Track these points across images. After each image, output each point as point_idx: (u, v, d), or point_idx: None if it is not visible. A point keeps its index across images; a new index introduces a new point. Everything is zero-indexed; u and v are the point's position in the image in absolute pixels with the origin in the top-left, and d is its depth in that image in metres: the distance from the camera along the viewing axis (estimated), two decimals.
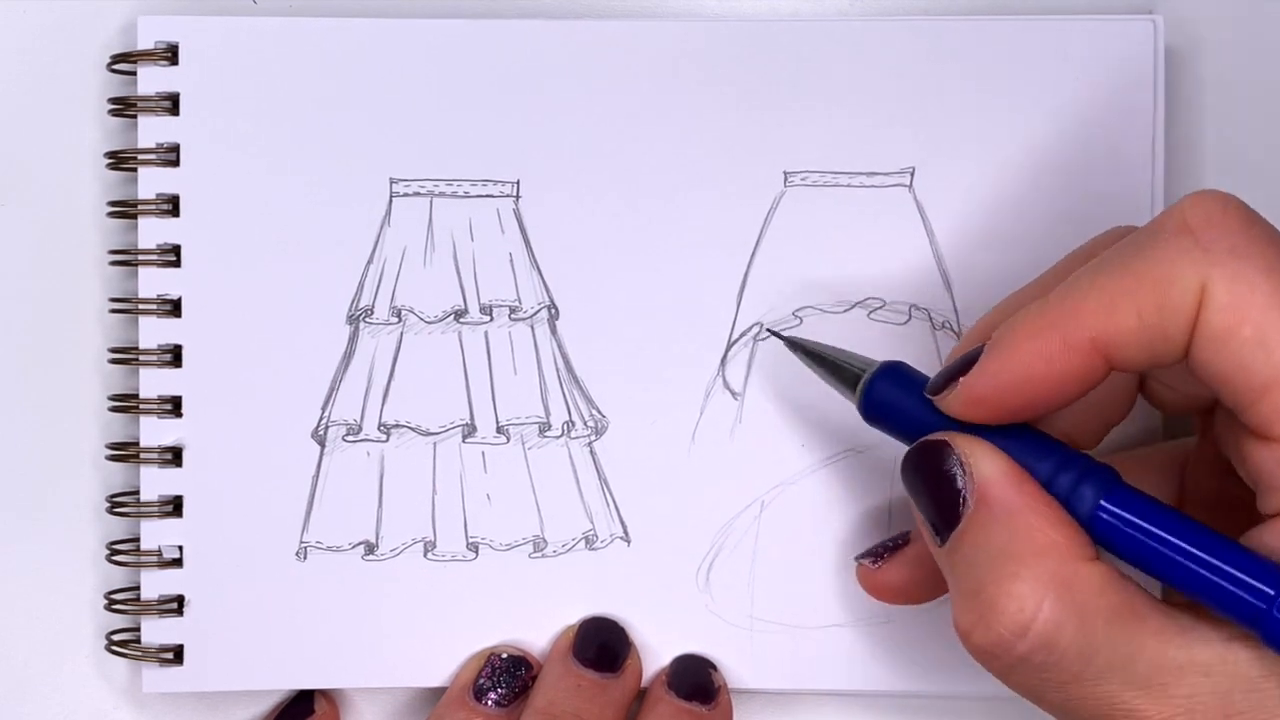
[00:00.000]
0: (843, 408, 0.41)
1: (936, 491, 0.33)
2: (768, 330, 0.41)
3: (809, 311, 0.41)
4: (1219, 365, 0.30)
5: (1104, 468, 0.32)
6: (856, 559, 0.39)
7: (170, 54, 0.41)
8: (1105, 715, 0.31)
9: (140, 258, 0.41)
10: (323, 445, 0.41)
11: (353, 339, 0.41)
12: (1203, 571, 0.30)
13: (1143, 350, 0.31)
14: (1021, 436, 0.33)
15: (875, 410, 0.35)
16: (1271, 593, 0.29)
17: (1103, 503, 0.31)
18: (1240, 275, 0.29)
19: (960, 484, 0.32)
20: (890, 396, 0.35)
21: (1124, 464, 0.34)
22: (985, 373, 0.32)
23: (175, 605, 0.41)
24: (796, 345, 0.38)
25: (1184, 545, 0.31)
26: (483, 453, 0.41)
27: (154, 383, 0.41)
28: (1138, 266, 0.30)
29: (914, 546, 0.38)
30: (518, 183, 0.41)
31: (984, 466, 0.32)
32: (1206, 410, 0.36)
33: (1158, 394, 0.36)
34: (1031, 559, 0.31)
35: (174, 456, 0.41)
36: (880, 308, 0.41)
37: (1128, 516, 0.31)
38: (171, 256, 0.41)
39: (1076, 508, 0.32)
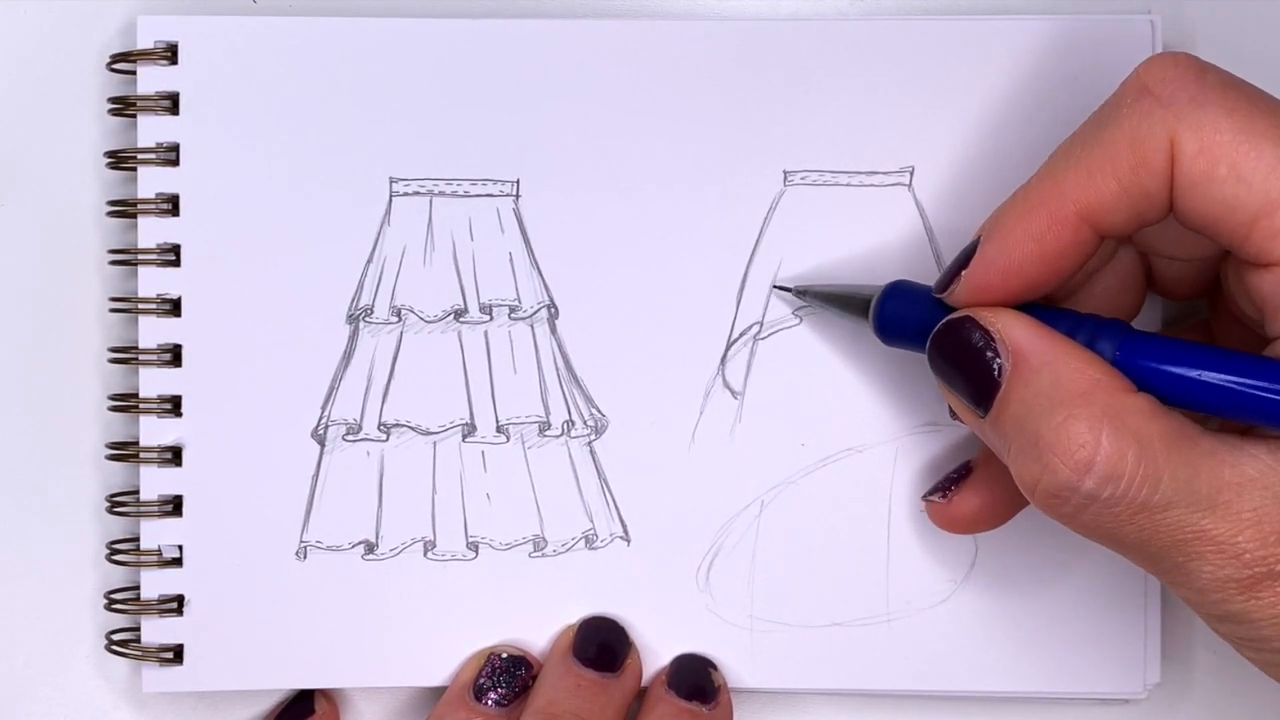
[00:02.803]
0: (843, 407, 0.41)
1: (969, 365, 0.34)
2: (774, 287, 0.41)
3: (809, 311, 0.41)
4: (1205, 210, 0.31)
5: (1115, 321, 0.34)
6: (924, 497, 0.40)
7: (170, 54, 0.41)
8: (1178, 541, 0.31)
9: (140, 257, 0.41)
10: (322, 445, 0.41)
11: (352, 338, 0.41)
12: (1231, 386, 0.32)
13: (1127, 213, 0.32)
14: (1032, 309, 0.34)
15: (890, 327, 0.37)
16: None
17: (1122, 348, 0.33)
18: (1205, 121, 0.31)
19: (992, 351, 0.33)
20: (901, 311, 0.36)
21: None
22: (984, 260, 0.34)
23: (175, 605, 0.41)
24: (806, 291, 0.40)
25: (1209, 368, 0.32)
26: (482, 452, 0.41)
27: (154, 382, 0.41)
28: (1108, 135, 0.32)
29: (978, 473, 0.39)
30: (517, 182, 0.41)
31: (1013, 327, 0.33)
32: (1212, 284, 0.37)
33: (1163, 274, 0.37)
34: (1081, 399, 0.32)
35: (174, 456, 0.41)
36: None
37: (1149, 356, 0.32)
38: (171, 256, 0.41)
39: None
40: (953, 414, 0.39)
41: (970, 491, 0.39)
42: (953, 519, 0.39)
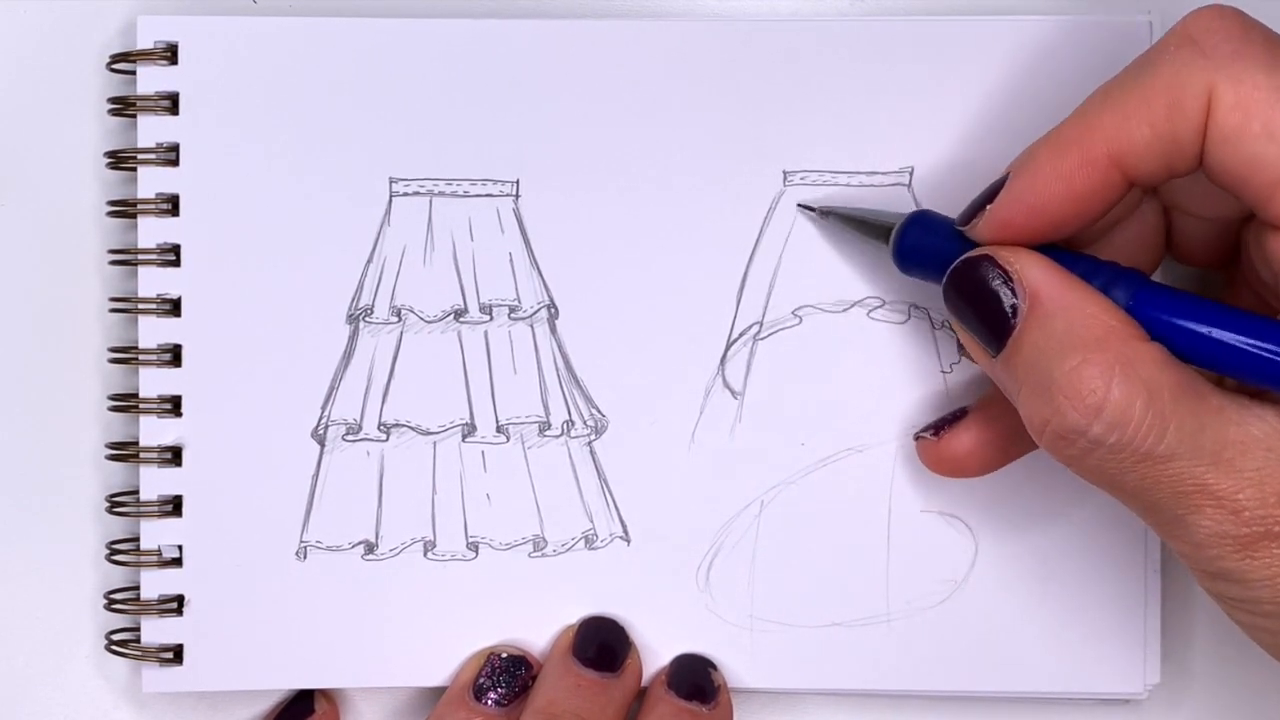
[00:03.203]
0: (843, 407, 0.41)
1: (985, 303, 0.34)
2: (798, 205, 0.41)
3: (809, 311, 0.41)
4: (1233, 164, 0.32)
5: (1132, 270, 0.34)
6: (916, 435, 0.40)
7: (170, 54, 0.41)
8: (1179, 493, 0.32)
9: (140, 257, 0.41)
10: (322, 445, 0.41)
11: (352, 338, 0.41)
12: (1241, 346, 0.32)
13: (1157, 160, 0.33)
14: (1051, 252, 0.34)
15: (909, 255, 0.37)
16: None
17: (1136, 297, 0.33)
18: (1244, 76, 0.31)
19: (1008, 291, 0.33)
20: (922, 241, 0.37)
21: None
22: (1010, 195, 0.34)
23: (175, 605, 0.41)
24: (829, 212, 0.40)
25: (1221, 326, 0.32)
26: (482, 452, 0.41)
27: (154, 382, 0.41)
28: (1146, 80, 0.32)
29: (973, 416, 0.39)
30: (517, 182, 0.41)
31: (1032, 269, 0.33)
32: (1231, 252, 0.37)
33: (1184, 234, 0.38)
34: (1094, 344, 0.32)
35: (174, 456, 0.41)
36: (880, 307, 0.41)
37: (1162, 308, 0.33)
38: (171, 256, 0.41)
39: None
40: (961, 350, 0.40)
41: (962, 432, 0.39)
42: (940, 457, 0.39)
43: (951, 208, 0.41)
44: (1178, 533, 0.32)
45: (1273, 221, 0.32)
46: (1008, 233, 0.34)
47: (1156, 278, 0.38)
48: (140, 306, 0.41)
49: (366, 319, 0.41)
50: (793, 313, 0.41)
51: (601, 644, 0.40)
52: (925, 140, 0.41)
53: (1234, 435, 0.31)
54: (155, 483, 0.41)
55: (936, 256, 0.36)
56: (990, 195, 0.34)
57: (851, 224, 0.39)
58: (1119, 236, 0.37)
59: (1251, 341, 0.32)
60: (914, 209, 0.38)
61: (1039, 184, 0.33)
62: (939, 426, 0.39)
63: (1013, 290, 0.33)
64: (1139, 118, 0.32)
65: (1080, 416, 0.32)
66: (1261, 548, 0.31)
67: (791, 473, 0.41)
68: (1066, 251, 0.35)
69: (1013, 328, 0.33)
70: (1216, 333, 0.32)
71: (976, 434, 0.39)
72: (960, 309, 0.35)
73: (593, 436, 0.41)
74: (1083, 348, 0.32)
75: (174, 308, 0.41)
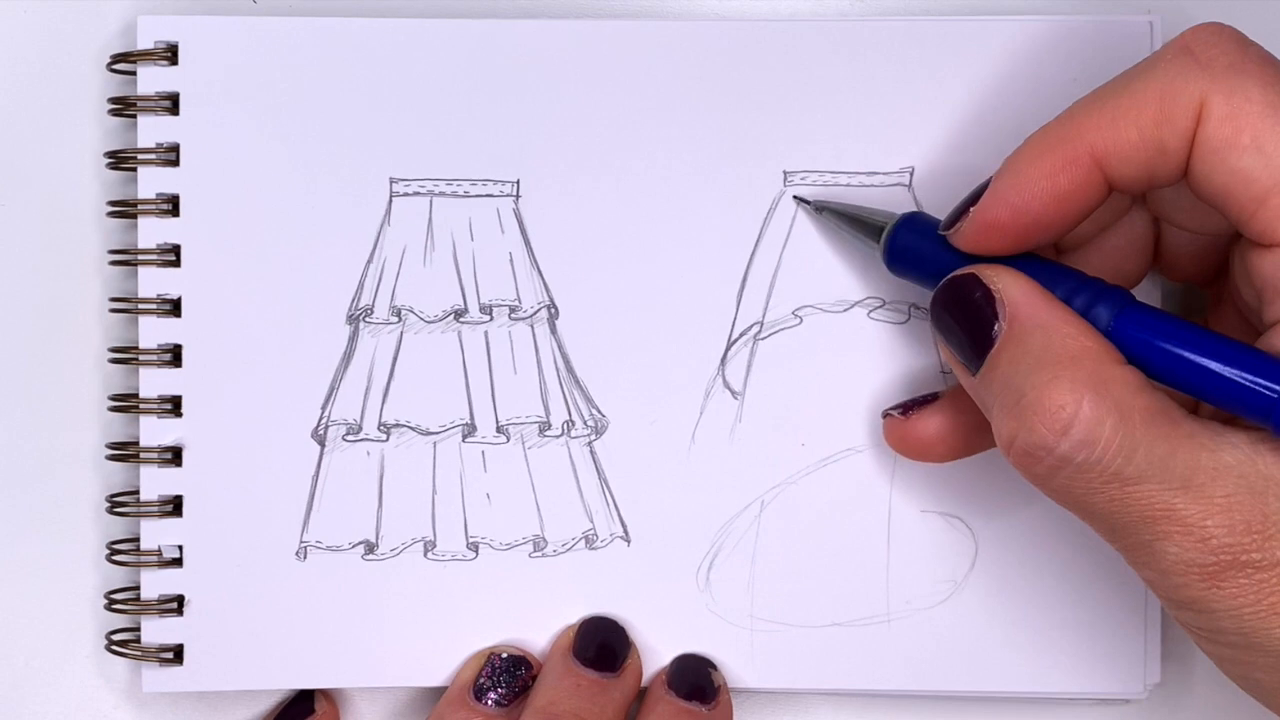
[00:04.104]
0: (843, 407, 0.41)
1: (967, 321, 0.34)
2: (794, 198, 0.41)
3: (809, 311, 0.41)
4: (1219, 177, 0.31)
5: (1117, 288, 0.34)
6: (884, 413, 0.39)
7: (170, 54, 0.41)
8: (1146, 517, 0.31)
9: (140, 257, 0.41)
10: (323, 445, 0.41)
11: (353, 339, 0.41)
12: (1218, 372, 0.32)
13: (1141, 166, 0.33)
14: (1037, 266, 0.34)
15: (899, 257, 0.37)
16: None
17: (1119, 317, 0.33)
18: (1237, 88, 0.31)
19: (990, 309, 0.33)
20: (911, 243, 0.37)
21: None
22: (994, 196, 0.34)
23: (175, 605, 0.41)
24: (824, 208, 0.40)
25: (1198, 351, 0.32)
26: (483, 452, 0.41)
27: (154, 382, 0.41)
28: (1139, 85, 0.32)
29: (944, 400, 0.38)
30: (518, 182, 0.41)
31: (1012, 288, 0.33)
32: (1216, 269, 0.37)
33: (1171, 247, 0.37)
34: (1068, 362, 0.32)
35: (174, 456, 0.41)
36: (880, 307, 0.41)
37: (1143, 329, 0.33)
38: (171, 256, 0.41)
39: (1094, 324, 0.33)
40: (944, 368, 0.40)
41: (931, 414, 0.38)
42: (904, 438, 0.38)
43: (951, 208, 0.41)
44: (1144, 559, 0.32)
45: (1255, 238, 0.32)
46: (991, 235, 0.34)
47: (1143, 292, 0.38)
48: (140, 306, 0.41)
49: (367, 319, 0.41)
50: (793, 313, 0.41)
51: (601, 644, 0.40)
52: (925, 140, 0.41)
53: (1206, 461, 0.31)
54: (155, 483, 0.41)
55: (926, 260, 0.36)
56: (973, 199, 0.34)
57: (845, 220, 0.39)
58: (1106, 244, 0.37)
59: (1229, 369, 0.32)
60: (908, 210, 0.38)
61: (1022, 183, 0.33)
62: (908, 406, 0.39)
63: (994, 310, 0.33)
64: (1127, 120, 0.32)
65: (1047, 432, 0.31)
66: (1227, 578, 0.31)
67: (791, 473, 0.41)
68: (1053, 264, 0.35)
69: (992, 344, 0.33)
70: (1195, 358, 0.32)
71: (945, 420, 0.38)
72: (945, 327, 0.35)
73: (593, 436, 0.41)
74: (1055, 364, 0.32)
75: (174, 308, 0.41)
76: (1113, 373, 0.32)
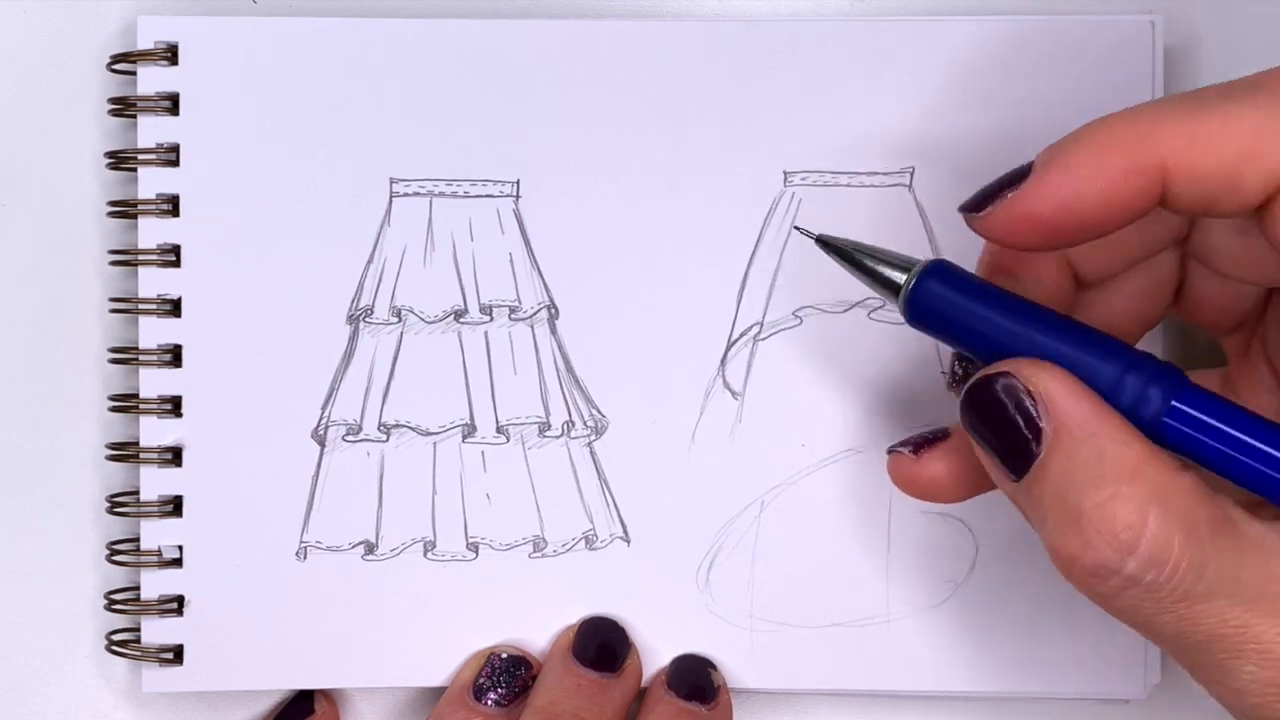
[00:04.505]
0: (843, 407, 0.41)
1: (1006, 427, 0.31)
2: (794, 227, 0.40)
3: (809, 311, 0.41)
4: None
5: (1169, 368, 0.31)
6: (890, 450, 0.36)
7: (170, 54, 0.41)
8: (1219, 635, 0.30)
9: (140, 258, 0.41)
10: (323, 445, 0.41)
11: (353, 339, 0.41)
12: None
13: (1208, 193, 0.30)
14: (1082, 337, 0.31)
15: (923, 316, 0.33)
16: None
17: (1174, 404, 0.30)
18: None
19: (1032, 415, 0.31)
20: (939, 300, 0.32)
21: None
22: (1040, 187, 0.31)
23: (175, 605, 0.41)
24: (829, 245, 0.35)
25: (1264, 442, 0.30)
26: (482, 452, 0.41)
27: (154, 383, 0.41)
28: (1234, 109, 0.29)
29: (955, 439, 0.35)
30: (518, 183, 0.41)
31: (1055, 391, 0.31)
32: (1245, 320, 0.35)
33: (1200, 293, 0.36)
34: (1128, 475, 0.30)
35: (174, 456, 0.41)
36: (880, 308, 0.41)
37: (1202, 418, 0.30)
38: (171, 256, 0.41)
39: (1143, 411, 0.31)
40: (946, 370, 0.38)
41: (941, 455, 0.35)
42: (912, 478, 0.35)
43: (951, 208, 0.41)
44: (1218, 677, 0.30)
45: None
46: (1027, 229, 0.31)
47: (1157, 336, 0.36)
48: (140, 307, 0.41)
49: (367, 319, 0.41)
50: (793, 313, 0.41)
51: (601, 644, 0.40)
52: (925, 140, 0.41)
53: (1278, 569, 0.29)
54: (155, 483, 0.41)
55: (958, 319, 0.32)
56: (1010, 182, 0.31)
57: (852, 262, 0.34)
58: (1129, 283, 0.35)
59: None
60: (929, 259, 0.33)
61: (1077, 179, 0.30)
62: (919, 445, 0.35)
63: (1036, 412, 0.31)
64: (1211, 144, 0.29)
65: (1114, 552, 0.29)
66: None
67: (791, 473, 0.41)
68: (1099, 335, 0.31)
69: (1036, 454, 0.31)
70: (1260, 448, 0.30)
71: (956, 460, 0.35)
72: (979, 429, 0.32)
73: (593, 437, 0.41)
74: (1115, 479, 0.30)
75: (174, 308, 0.41)
76: (1174, 482, 0.30)
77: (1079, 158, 0.30)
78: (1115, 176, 0.30)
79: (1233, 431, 0.30)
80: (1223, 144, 0.29)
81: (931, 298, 0.32)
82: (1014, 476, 0.31)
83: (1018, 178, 0.31)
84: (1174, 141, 0.30)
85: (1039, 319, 0.32)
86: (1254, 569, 0.29)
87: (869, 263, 0.33)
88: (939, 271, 0.32)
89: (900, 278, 0.33)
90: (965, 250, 0.41)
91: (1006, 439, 0.31)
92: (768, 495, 0.41)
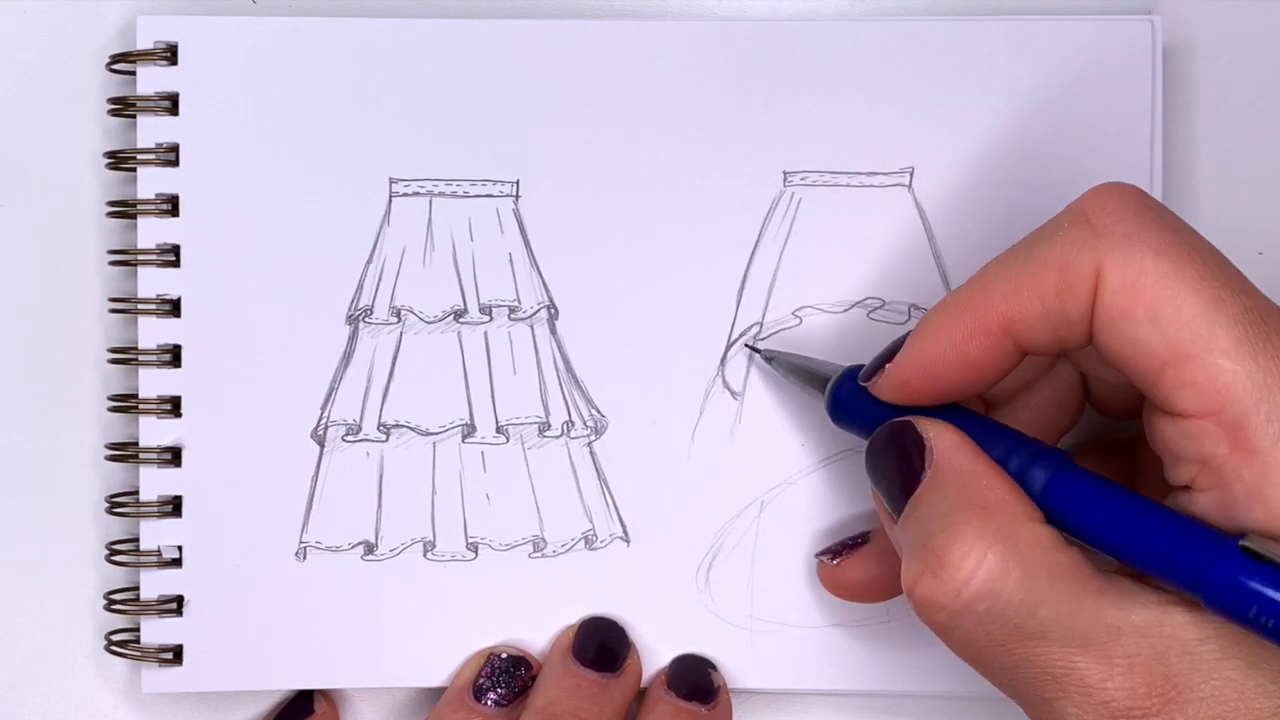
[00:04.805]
0: None
1: (896, 467, 0.34)
2: (744, 344, 0.41)
3: (809, 311, 0.41)
4: (1118, 346, 0.31)
5: (1055, 451, 0.33)
6: (816, 555, 0.40)
7: (170, 54, 0.41)
8: (1047, 675, 0.31)
9: (140, 258, 0.41)
10: (322, 445, 0.41)
11: (352, 339, 0.41)
12: (1144, 542, 0.31)
13: (1049, 334, 0.32)
14: (976, 422, 0.34)
15: (840, 411, 0.37)
16: (1206, 557, 0.30)
17: (1051, 482, 0.32)
18: (1132, 258, 0.31)
19: (918, 456, 0.33)
20: (852, 398, 0.36)
21: (1086, 449, 0.37)
22: (905, 358, 0.34)
23: (175, 605, 0.41)
24: (772, 358, 0.40)
25: (1126, 519, 0.31)
26: (482, 453, 0.41)
27: (153, 383, 0.41)
28: (1039, 253, 0.32)
29: (873, 544, 0.39)
30: (517, 183, 0.41)
31: (941, 438, 0.33)
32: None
33: (1098, 394, 0.37)
34: (980, 512, 0.32)
35: (173, 456, 0.41)
36: (880, 307, 0.41)
37: (1075, 497, 0.32)
38: (171, 256, 0.41)
39: (1028, 487, 0.33)
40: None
41: (860, 560, 0.39)
42: (837, 583, 0.39)
43: (952, 208, 0.41)
44: (1043, 716, 0.31)
45: (1158, 405, 0.31)
46: (905, 392, 0.34)
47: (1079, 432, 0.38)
48: (140, 307, 0.41)
49: (366, 319, 0.41)
50: (793, 313, 0.41)
51: (601, 644, 0.40)
52: (925, 140, 0.41)
53: (1111, 619, 0.30)
54: (155, 483, 0.41)
55: (865, 416, 0.36)
56: (890, 354, 0.34)
57: (791, 372, 0.39)
58: (1034, 398, 0.37)
59: (1159, 541, 0.30)
60: (849, 365, 0.37)
61: (932, 349, 0.33)
62: (838, 551, 0.39)
63: (923, 458, 0.33)
64: (1030, 290, 0.32)
65: (950, 579, 0.31)
66: None
67: (791, 473, 0.41)
68: (993, 423, 0.34)
69: (913, 491, 0.33)
70: (1124, 527, 0.31)
71: (873, 563, 0.38)
72: (877, 470, 0.35)
73: (592, 437, 0.41)
74: (966, 513, 0.31)
75: (174, 308, 0.41)
76: (1024, 530, 0.31)
77: (931, 329, 0.33)
78: (962, 340, 0.33)
79: (1104, 511, 0.32)
80: (1039, 288, 0.32)
81: (846, 394, 0.37)
82: (895, 513, 0.34)
83: (895, 349, 0.34)
84: (1002, 298, 0.32)
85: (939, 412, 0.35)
86: (1088, 617, 0.30)
87: (804, 369, 0.39)
88: (854, 374, 0.36)
89: (826, 381, 0.37)
90: (965, 249, 0.41)
91: (895, 476, 0.34)
92: (767, 495, 0.41)
